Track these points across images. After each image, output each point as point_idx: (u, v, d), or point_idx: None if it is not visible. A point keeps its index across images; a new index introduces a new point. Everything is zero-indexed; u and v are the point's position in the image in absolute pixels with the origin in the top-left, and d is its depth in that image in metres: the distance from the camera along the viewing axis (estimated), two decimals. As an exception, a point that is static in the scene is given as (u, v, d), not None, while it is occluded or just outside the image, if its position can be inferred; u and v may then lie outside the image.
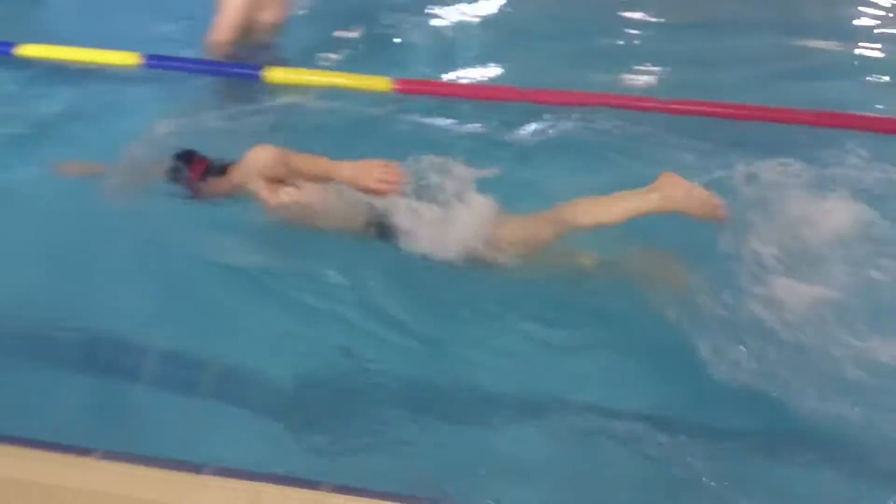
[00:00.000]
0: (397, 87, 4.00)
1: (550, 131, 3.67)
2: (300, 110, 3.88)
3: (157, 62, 4.14)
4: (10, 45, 4.20)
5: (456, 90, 4.03)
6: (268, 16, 4.16)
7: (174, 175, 2.93)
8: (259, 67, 4.04)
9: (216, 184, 2.90)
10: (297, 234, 2.90)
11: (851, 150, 3.22)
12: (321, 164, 2.72)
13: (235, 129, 3.55)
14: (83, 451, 1.96)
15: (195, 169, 2.93)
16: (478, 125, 3.79)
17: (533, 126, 3.72)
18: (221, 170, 2.89)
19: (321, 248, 2.89)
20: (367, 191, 2.67)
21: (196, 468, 1.89)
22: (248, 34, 4.14)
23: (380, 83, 4.00)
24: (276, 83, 4.02)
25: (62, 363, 2.65)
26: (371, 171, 2.65)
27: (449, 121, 3.86)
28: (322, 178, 2.75)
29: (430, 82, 4.07)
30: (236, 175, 2.82)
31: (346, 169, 2.67)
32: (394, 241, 2.76)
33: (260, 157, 2.73)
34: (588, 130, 3.63)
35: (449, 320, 2.74)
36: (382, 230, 2.78)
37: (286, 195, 2.79)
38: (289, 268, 2.89)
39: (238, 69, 4.09)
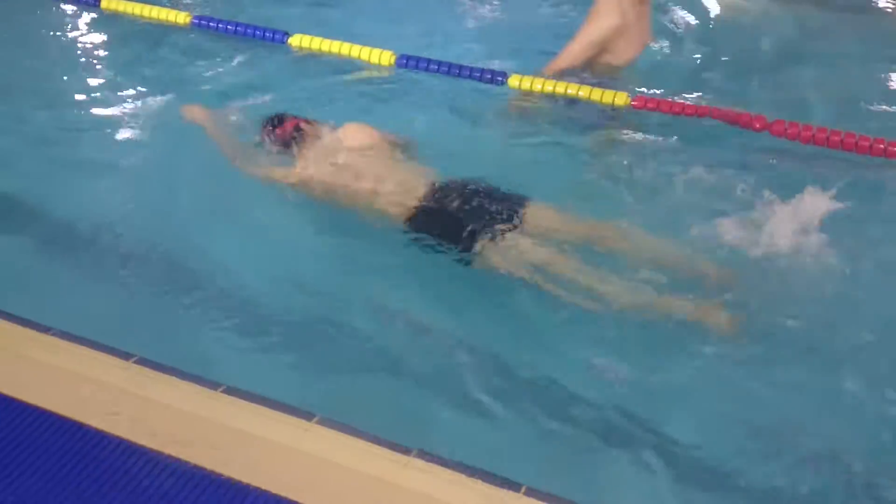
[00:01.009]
0: (634, 102, 3.99)
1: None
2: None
3: (408, 62, 4.40)
4: (285, 34, 4.64)
5: (694, 111, 3.92)
6: (618, 57, 4.07)
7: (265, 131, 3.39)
8: (505, 74, 4.20)
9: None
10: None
11: None
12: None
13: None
14: (306, 415, 2.15)
15: (285, 128, 3.36)
16: (708, 150, 3.74)
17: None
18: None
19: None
20: None
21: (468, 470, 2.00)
22: (591, 67, 4.12)
23: (617, 97, 4.01)
24: (519, 90, 4.17)
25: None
26: None
27: (676, 141, 3.84)
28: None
29: (668, 101, 3.99)
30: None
31: None
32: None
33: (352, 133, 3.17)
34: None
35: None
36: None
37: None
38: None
39: (483, 73, 4.26)
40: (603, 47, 4.00)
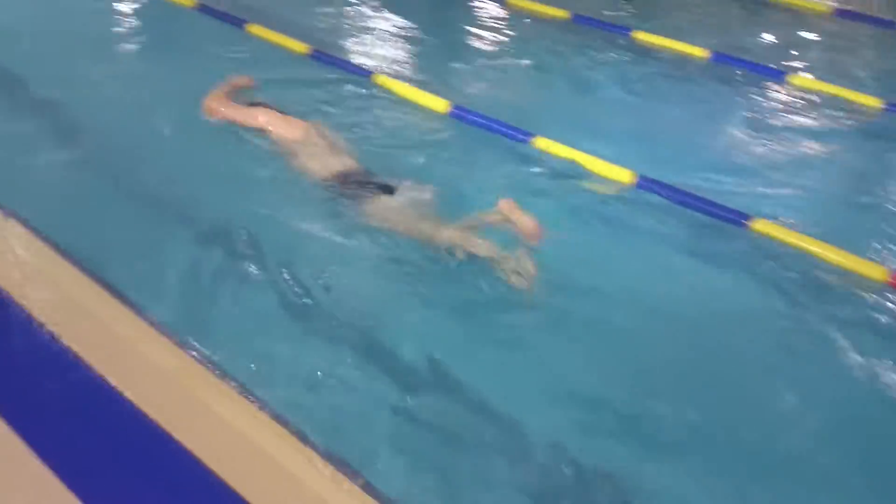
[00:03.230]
0: (891, 280, 3.53)
1: None
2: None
3: (649, 185, 4.24)
4: (530, 134, 4.68)
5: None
6: None
7: None
8: (747, 216, 3.94)
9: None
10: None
11: None
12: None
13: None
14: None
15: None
16: None
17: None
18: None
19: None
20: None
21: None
22: None
23: (875, 271, 3.57)
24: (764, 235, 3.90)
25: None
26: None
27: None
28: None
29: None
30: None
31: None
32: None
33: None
34: None
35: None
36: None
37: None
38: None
39: (726, 212, 4.02)
40: None
